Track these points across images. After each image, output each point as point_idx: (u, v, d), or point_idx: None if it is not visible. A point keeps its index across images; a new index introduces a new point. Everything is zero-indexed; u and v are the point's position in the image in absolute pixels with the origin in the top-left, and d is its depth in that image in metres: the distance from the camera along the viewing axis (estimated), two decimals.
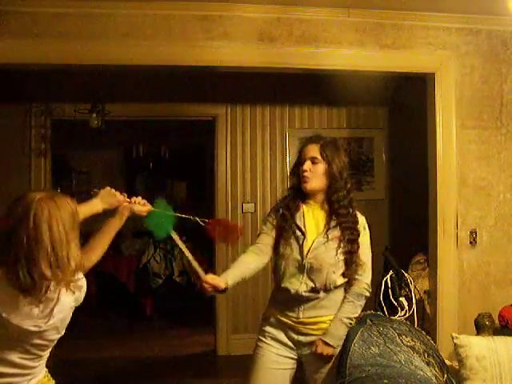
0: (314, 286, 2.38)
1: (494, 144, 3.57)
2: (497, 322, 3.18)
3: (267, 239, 2.48)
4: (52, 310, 1.67)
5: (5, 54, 3.09)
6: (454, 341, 2.82)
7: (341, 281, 2.41)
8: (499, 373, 2.70)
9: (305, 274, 2.38)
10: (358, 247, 2.43)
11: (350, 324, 2.42)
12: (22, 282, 1.59)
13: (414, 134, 4.26)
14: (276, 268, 2.47)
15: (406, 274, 3.41)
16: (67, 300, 1.72)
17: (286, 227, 2.43)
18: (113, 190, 2.23)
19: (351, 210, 2.46)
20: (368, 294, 2.47)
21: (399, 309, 3.19)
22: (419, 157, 3.84)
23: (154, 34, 3.23)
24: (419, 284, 3.67)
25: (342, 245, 2.39)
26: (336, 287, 2.41)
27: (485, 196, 3.57)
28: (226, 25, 3.29)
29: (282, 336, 2.45)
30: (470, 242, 3.54)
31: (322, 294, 2.40)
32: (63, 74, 4.25)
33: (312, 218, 2.45)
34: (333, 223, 2.41)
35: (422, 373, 2.32)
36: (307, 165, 2.44)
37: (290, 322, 2.43)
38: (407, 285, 3.34)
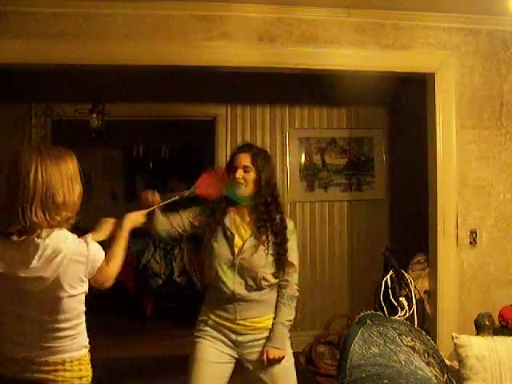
0: (246, 285, 2.50)
1: (493, 144, 3.57)
2: (497, 322, 3.18)
3: (180, 217, 2.62)
4: (42, 255, 1.75)
5: (5, 54, 3.09)
6: (454, 341, 2.82)
7: (272, 280, 2.53)
8: (499, 373, 2.70)
9: (236, 273, 2.50)
10: (286, 250, 2.55)
11: (290, 325, 2.58)
12: (13, 227, 1.74)
13: (414, 134, 4.26)
14: (208, 268, 2.58)
15: (405, 274, 3.41)
16: (63, 247, 1.78)
17: (214, 228, 2.56)
18: (108, 219, 2.27)
19: (279, 216, 2.57)
20: (298, 294, 2.61)
21: (399, 309, 3.19)
22: (419, 157, 3.84)
23: (154, 34, 3.23)
24: (419, 284, 3.68)
25: (270, 247, 2.52)
26: (269, 286, 2.53)
27: (485, 196, 3.57)
28: (226, 25, 3.29)
29: (221, 336, 2.55)
30: (470, 242, 3.54)
31: (255, 294, 2.51)
32: (63, 74, 4.25)
33: (241, 221, 2.58)
34: (261, 227, 2.53)
35: (422, 373, 2.32)
36: (239, 173, 2.54)
37: (227, 323, 2.53)
38: (407, 285, 3.34)
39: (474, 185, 3.55)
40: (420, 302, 3.57)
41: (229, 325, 2.53)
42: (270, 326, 2.54)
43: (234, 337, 2.53)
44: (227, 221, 2.55)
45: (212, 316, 2.57)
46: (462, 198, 3.54)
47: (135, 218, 2.32)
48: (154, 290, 6.24)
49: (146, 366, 4.59)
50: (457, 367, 2.81)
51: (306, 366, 4.03)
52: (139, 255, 6.53)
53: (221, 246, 2.53)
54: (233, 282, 2.49)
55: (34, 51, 3.11)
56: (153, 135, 7.47)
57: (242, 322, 2.52)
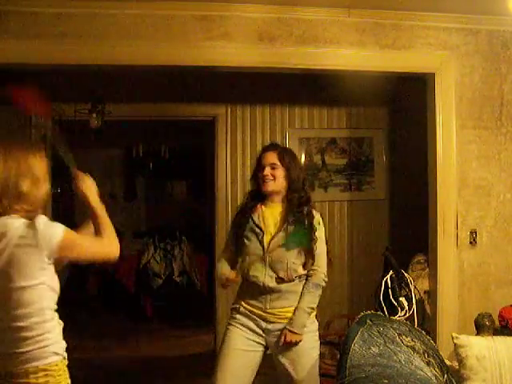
0: (277, 277, 2.61)
1: (493, 144, 3.57)
2: (497, 322, 3.18)
3: (232, 250, 2.75)
4: None
5: (5, 54, 3.09)
6: (454, 341, 2.82)
7: (302, 271, 2.67)
8: (499, 373, 2.70)
9: (267, 267, 2.62)
10: (314, 241, 2.65)
11: (311, 312, 2.69)
12: None
13: (414, 134, 4.26)
14: (241, 263, 2.70)
15: (406, 274, 3.41)
16: (7, 231, 1.67)
17: (244, 226, 2.66)
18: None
19: (307, 208, 2.70)
20: (324, 284, 2.75)
21: (399, 309, 3.19)
22: (419, 157, 3.84)
23: (154, 34, 3.23)
24: (419, 284, 3.67)
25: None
26: (298, 277, 2.66)
27: (485, 196, 3.57)
28: (226, 25, 3.29)
29: (251, 324, 2.65)
30: (470, 242, 3.54)
31: (285, 286, 2.62)
32: (63, 74, 4.25)
33: (270, 216, 2.69)
34: (290, 219, 2.64)
35: (422, 373, 2.32)
36: (267, 170, 2.66)
37: (258, 311, 2.65)
38: (407, 285, 3.34)
39: (474, 185, 3.55)
40: (420, 302, 3.57)
41: (259, 312, 2.64)
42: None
43: (263, 324, 2.64)
44: (256, 217, 2.65)
45: (244, 304, 2.68)
46: (462, 198, 3.54)
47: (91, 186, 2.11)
48: (154, 290, 6.24)
49: (146, 366, 4.59)
50: (457, 367, 2.81)
51: None
52: (139, 255, 6.54)
53: (251, 242, 2.63)
54: (264, 276, 2.61)
55: (34, 51, 3.11)
56: (153, 135, 7.47)
57: (271, 310, 2.63)
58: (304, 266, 2.68)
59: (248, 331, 2.65)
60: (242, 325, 2.66)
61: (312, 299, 2.67)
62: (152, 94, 4.74)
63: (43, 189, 1.81)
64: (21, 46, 3.09)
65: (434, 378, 2.36)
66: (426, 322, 3.60)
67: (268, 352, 2.71)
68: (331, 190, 5.04)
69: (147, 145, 8.29)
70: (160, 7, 3.21)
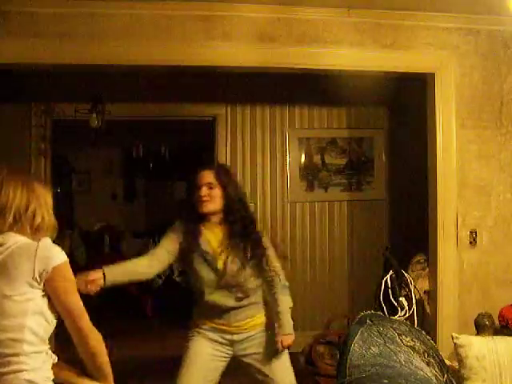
0: (235, 297, 2.58)
1: (493, 144, 3.57)
2: (497, 322, 3.18)
3: (162, 252, 2.60)
4: None
5: (5, 54, 3.09)
6: (454, 341, 2.82)
7: (256, 283, 2.63)
8: (499, 373, 2.70)
9: (224, 290, 2.57)
10: (264, 252, 2.62)
11: (290, 312, 2.66)
12: None
13: (414, 134, 4.26)
14: (195, 288, 2.64)
15: (406, 274, 3.41)
16: (11, 241, 1.62)
17: (192, 252, 2.58)
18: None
19: (253, 227, 2.65)
20: (288, 284, 2.68)
21: (399, 309, 3.19)
22: (419, 157, 3.84)
23: (154, 34, 3.23)
24: (419, 284, 3.67)
25: (249, 256, 2.58)
26: (254, 290, 2.63)
27: (485, 196, 3.57)
28: (226, 25, 3.29)
29: (215, 336, 2.63)
30: (470, 242, 3.54)
31: (245, 301, 2.60)
32: (63, 74, 4.24)
33: (213, 238, 2.62)
34: (237, 240, 2.58)
35: (422, 373, 2.32)
36: (204, 190, 2.58)
37: (222, 327, 2.62)
38: (407, 285, 3.34)
39: (474, 185, 3.55)
40: (420, 302, 3.57)
41: (224, 328, 2.62)
42: (263, 321, 2.66)
43: (229, 336, 2.62)
44: (203, 245, 2.59)
45: (206, 321, 2.65)
46: (462, 198, 3.53)
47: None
48: (154, 290, 6.24)
49: (147, 366, 4.59)
50: (457, 367, 2.81)
51: (305, 366, 4.03)
52: (139, 255, 6.52)
53: (203, 270, 2.57)
54: (221, 298, 2.57)
55: (34, 51, 3.11)
56: (153, 135, 7.47)
57: (237, 324, 2.61)
58: (256, 277, 2.63)
59: (213, 342, 2.62)
60: (206, 337, 2.63)
61: (287, 299, 2.65)
62: (152, 94, 4.75)
63: (52, 218, 1.76)
64: (21, 46, 3.09)
65: (434, 378, 2.36)
66: (425, 322, 3.60)
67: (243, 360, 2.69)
68: (331, 190, 5.04)
69: (147, 145, 8.29)
70: (160, 7, 3.21)
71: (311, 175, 5.02)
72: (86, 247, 7.23)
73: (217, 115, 4.92)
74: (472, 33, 3.54)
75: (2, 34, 3.07)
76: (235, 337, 2.62)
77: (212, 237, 2.61)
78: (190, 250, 2.57)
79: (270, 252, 2.66)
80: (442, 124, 3.50)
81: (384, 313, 3.13)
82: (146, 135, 7.53)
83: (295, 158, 5.00)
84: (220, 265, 2.56)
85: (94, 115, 4.61)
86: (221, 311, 2.60)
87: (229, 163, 4.88)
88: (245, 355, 2.65)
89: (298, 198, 5.00)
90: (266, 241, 2.69)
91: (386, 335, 2.45)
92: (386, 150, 5.13)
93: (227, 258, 2.57)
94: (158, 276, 6.18)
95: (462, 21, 3.49)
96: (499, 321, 3.19)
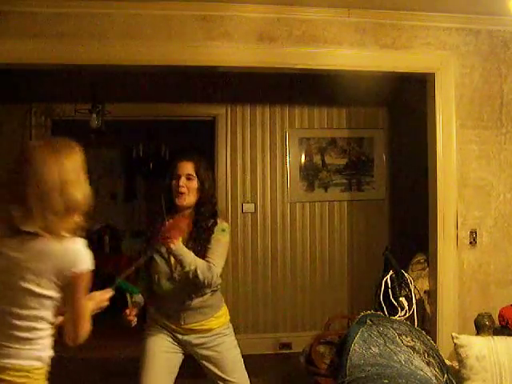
0: (188, 294, 2.53)
1: (493, 144, 3.57)
2: (497, 322, 3.18)
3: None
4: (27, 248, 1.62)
5: (5, 54, 3.09)
6: (454, 341, 2.82)
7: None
8: (499, 373, 2.70)
9: (177, 284, 2.52)
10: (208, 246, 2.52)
11: (191, 265, 2.43)
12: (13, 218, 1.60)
13: (414, 134, 4.26)
14: (152, 278, 2.59)
15: (405, 274, 3.41)
16: (47, 249, 1.62)
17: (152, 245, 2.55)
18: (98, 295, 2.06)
19: (213, 220, 2.59)
20: (213, 281, 2.47)
21: (399, 309, 3.19)
22: (419, 157, 3.84)
23: (154, 33, 3.23)
24: (419, 284, 3.67)
25: (200, 249, 2.51)
26: (210, 290, 2.56)
27: (485, 196, 3.57)
28: (226, 25, 3.29)
29: (168, 334, 2.62)
30: (470, 242, 3.54)
31: (197, 301, 2.55)
32: (63, 74, 4.25)
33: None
34: (194, 233, 2.55)
35: (422, 373, 2.32)
36: (183, 181, 2.55)
37: (172, 326, 2.60)
38: (407, 285, 3.34)
39: (474, 185, 3.55)
40: (420, 302, 3.57)
41: (174, 327, 2.60)
42: (215, 326, 2.61)
43: (180, 336, 2.60)
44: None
45: (159, 320, 2.63)
46: (462, 198, 3.54)
47: (99, 301, 2.06)
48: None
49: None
50: (457, 367, 2.81)
51: (305, 366, 4.03)
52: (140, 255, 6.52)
53: (159, 260, 2.55)
54: (174, 293, 2.54)
55: (34, 51, 3.11)
56: (153, 135, 7.47)
57: (186, 326, 2.58)
58: None
59: (166, 337, 2.62)
60: (160, 332, 2.62)
61: (201, 264, 2.43)
62: (152, 94, 4.75)
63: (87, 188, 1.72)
64: (21, 45, 3.09)
65: (434, 378, 2.37)
66: (425, 322, 3.60)
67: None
68: (331, 190, 5.04)
69: (147, 145, 8.29)
70: (160, 7, 3.21)
71: (311, 175, 5.02)
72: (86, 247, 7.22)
73: (217, 115, 4.92)
74: (472, 33, 3.54)
75: (2, 34, 3.08)
76: (185, 337, 2.60)
77: None
78: (152, 238, 2.55)
79: (215, 246, 2.53)
80: (442, 124, 3.51)
81: (384, 313, 3.13)
82: (146, 135, 7.52)
83: (295, 157, 5.00)
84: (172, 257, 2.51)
85: (94, 115, 4.61)
86: (173, 310, 2.57)
87: (229, 163, 4.89)
88: (197, 355, 2.65)
89: (298, 197, 5.00)
90: (221, 236, 2.56)
91: (386, 335, 2.45)
92: (386, 150, 5.13)
93: None
94: None
95: (462, 21, 3.49)
96: (499, 321, 3.19)
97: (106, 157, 8.76)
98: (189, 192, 2.55)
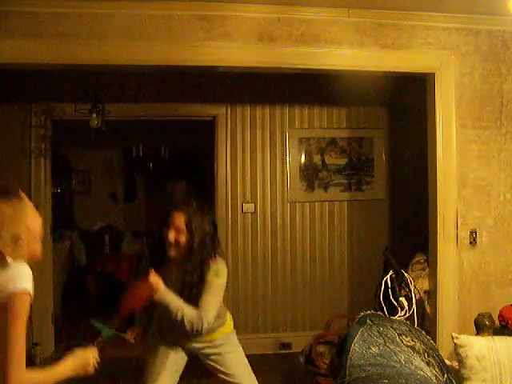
0: (185, 334, 2.58)
1: (494, 144, 3.58)
2: (497, 322, 3.18)
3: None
4: None
5: (5, 54, 3.09)
6: (454, 341, 2.82)
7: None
8: (499, 373, 2.70)
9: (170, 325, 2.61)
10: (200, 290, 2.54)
11: (176, 310, 2.48)
12: None
13: (414, 134, 4.26)
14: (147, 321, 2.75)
15: (406, 274, 3.41)
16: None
17: None
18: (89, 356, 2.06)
19: (205, 266, 2.56)
20: (203, 328, 2.51)
21: (399, 309, 3.19)
22: (419, 157, 3.84)
23: (154, 33, 3.23)
24: (419, 284, 3.68)
25: (195, 294, 2.55)
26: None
27: (485, 196, 3.57)
28: (226, 25, 3.29)
29: (173, 344, 2.70)
30: (470, 242, 3.54)
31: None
32: (63, 74, 4.25)
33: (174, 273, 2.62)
34: (187, 281, 2.56)
35: (422, 373, 2.32)
36: (172, 233, 2.55)
37: (180, 341, 2.70)
38: (407, 285, 3.34)
39: (474, 185, 3.55)
40: (420, 302, 3.57)
41: (182, 341, 2.69)
42: (222, 335, 2.69)
43: (188, 345, 2.70)
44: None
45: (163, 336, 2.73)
46: (462, 198, 3.54)
47: (83, 361, 2.02)
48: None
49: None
50: (457, 367, 2.81)
51: (305, 366, 4.03)
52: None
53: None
54: (178, 329, 2.57)
55: (34, 51, 3.11)
56: (153, 135, 7.47)
57: (195, 339, 2.66)
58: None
59: (172, 346, 2.70)
60: (164, 343, 2.70)
61: (189, 313, 2.49)
62: (152, 94, 4.75)
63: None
64: (21, 45, 3.09)
65: (434, 377, 2.36)
66: (425, 322, 3.60)
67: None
68: (331, 190, 5.05)
69: (147, 145, 8.29)
70: (160, 7, 3.21)
71: (311, 175, 5.02)
72: (86, 247, 7.23)
73: (217, 115, 4.92)
74: (472, 33, 3.54)
75: (1, 34, 3.08)
76: (194, 344, 2.69)
77: (172, 276, 2.62)
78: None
79: (207, 291, 2.54)
80: (442, 124, 3.51)
81: (384, 313, 3.13)
82: (146, 135, 7.52)
83: (295, 157, 5.00)
84: None
85: (94, 115, 4.60)
86: (178, 338, 2.66)
87: (229, 163, 4.89)
88: (202, 356, 2.72)
89: (298, 197, 5.00)
90: (215, 279, 2.55)
91: (386, 335, 2.45)
92: (386, 150, 5.13)
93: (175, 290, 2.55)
94: None
95: (462, 21, 3.49)
96: (499, 321, 3.19)
97: (106, 157, 8.77)
98: (177, 246, 2.55)
